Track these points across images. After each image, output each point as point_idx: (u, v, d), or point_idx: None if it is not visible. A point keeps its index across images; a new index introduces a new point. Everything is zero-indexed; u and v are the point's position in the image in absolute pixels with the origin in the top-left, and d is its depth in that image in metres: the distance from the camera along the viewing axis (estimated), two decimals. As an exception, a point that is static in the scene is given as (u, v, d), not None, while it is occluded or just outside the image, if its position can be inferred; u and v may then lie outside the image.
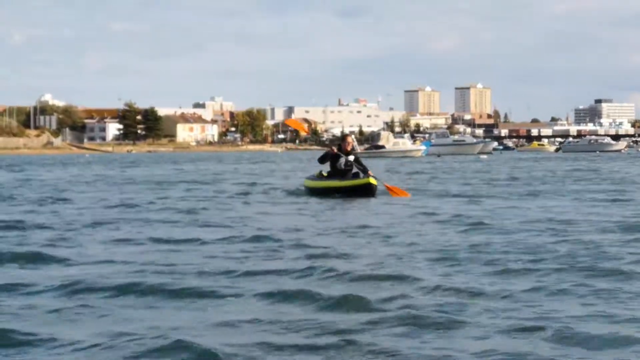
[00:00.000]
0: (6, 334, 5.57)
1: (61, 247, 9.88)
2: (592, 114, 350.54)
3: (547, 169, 38.57)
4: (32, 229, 12.02)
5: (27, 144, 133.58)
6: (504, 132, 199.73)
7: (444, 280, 7.35)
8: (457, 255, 8.79)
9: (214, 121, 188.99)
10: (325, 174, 19.23)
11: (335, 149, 19.07)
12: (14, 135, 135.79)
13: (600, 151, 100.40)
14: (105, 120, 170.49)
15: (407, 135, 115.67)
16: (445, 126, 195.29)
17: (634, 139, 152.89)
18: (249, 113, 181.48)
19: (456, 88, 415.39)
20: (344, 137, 20.31)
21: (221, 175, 33.54)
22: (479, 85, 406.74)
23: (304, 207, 15.75)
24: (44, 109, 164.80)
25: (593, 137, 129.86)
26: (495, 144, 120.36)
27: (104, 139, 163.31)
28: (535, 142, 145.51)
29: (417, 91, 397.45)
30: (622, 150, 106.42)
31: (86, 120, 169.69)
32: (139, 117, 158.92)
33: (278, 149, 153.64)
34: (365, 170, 18.60)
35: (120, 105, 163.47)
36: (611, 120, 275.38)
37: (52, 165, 55.78)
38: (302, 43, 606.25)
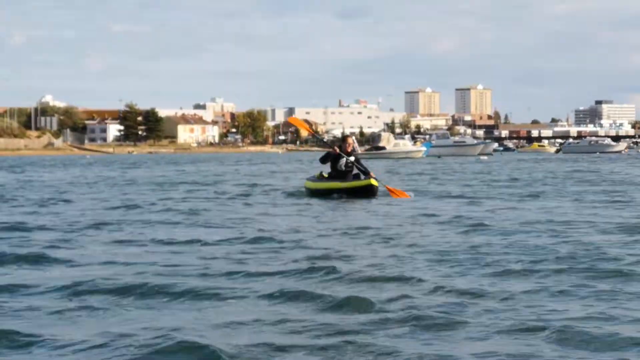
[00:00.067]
0: (8, 335, 5.59)
1: (63, 249, 9.90)
2: (593, 115, 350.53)
3: (547, 170, 38.58)
4: (34, 230, 12.03)
5: (28, 145, 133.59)
6: (504, 133, 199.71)
7: (444, 281, 7.37)
8: (458, 257, 8.81)
9: (214, 122, 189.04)
10: (325, 175, 19.17)
11: (337, 149, 19.00)
12: (15, 136, 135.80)
13: (600, 152, 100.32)
14: (106, 121, 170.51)
15: (407, 136, 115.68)
16: (446, 127, 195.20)
17: (634, 140, 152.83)
18: (249, 114, 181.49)
19: (456, 89, 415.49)
20: (344, 138, 20.29)
21: (222, 177, 33.56)
22: (480, 87, 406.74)
23: (305, 209, 15.76)
24: (44, 110, 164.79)
25: (593, 138, 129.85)
26: (495, 145, 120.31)
27: (104, 140, 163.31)
28: (536, 144, 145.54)
29: (417, 92, 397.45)
30: (623, 152, 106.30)
31: (87, 122, 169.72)
32: (139, 118, 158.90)
33: (279, 150, 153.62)
34: (366, 172, 18.57)
35: (121, 107, 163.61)
36: (611, 122, 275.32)
37: (53, 166, 55.79)
38: (302, 44, 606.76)
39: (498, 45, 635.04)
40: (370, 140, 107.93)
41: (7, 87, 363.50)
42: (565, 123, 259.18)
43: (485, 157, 75.21)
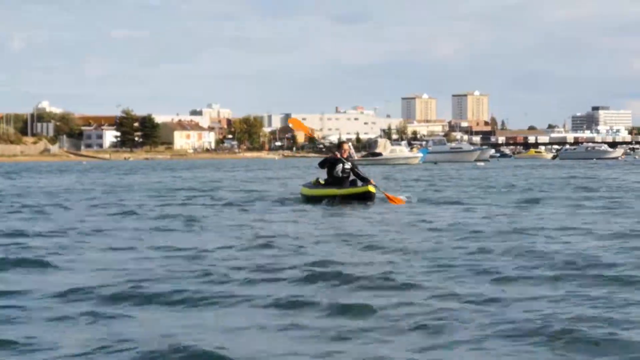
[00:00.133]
0: (4, 341, 5.59)
1: (60, 254, 9.89)
2: (589, 121, 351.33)
3: (544, 176, 38.61)
4: (31, 236, 12.02)
5: (24, 151, 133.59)
6: (501, 139, 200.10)
7: (441, 286, 7.38)
8: (455, 262, 8.83)
9: (211, 128, 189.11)
10: (322, 181, 19.08)
11: (337, 154, 18.84)
12: (11, 142, 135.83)
13: (597, 158, 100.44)
14: (103, 127, 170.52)
15: (404, 142, 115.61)
16: (443, 133, 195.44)
17: (631, 146, 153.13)
18: (246, 120, 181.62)
19: (453, 95, 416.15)
20: (340, 144, 19.97)
21: (219, 183, 33.56)
22: (476, 93, 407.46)
23: (302, 215, 15.77)
24: (41, 116, 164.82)
25: (590, 144, 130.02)
26: (492, 151, 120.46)
27: (101, 146, 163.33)
28: (532, 150, 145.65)
29: (414, 98, 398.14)
30: (619, 158, 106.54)
31: (83, 128, 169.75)
32: (136, 124, 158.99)
33: (275, 156, 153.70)
34: (365, 179, 18.44)
35: (117, 113, 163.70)
36: (608, 128, 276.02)
37: (50, 172, 55.76)
38: (299, 49, 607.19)
39: (495, 51, 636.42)
40: (366, 147, 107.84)
41: (4, 93, 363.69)
42: (562, 129, 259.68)
43: (482, 164, 75.24)
